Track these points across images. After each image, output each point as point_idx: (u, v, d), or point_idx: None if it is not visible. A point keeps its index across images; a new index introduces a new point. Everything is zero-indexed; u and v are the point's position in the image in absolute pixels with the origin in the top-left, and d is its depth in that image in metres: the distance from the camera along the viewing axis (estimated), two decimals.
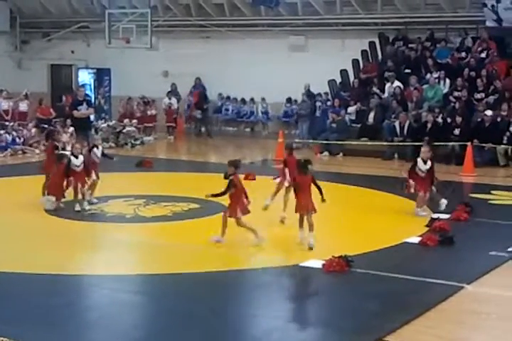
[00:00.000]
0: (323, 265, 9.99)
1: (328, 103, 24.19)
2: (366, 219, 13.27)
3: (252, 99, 27.34)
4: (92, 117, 21.38)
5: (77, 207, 13.33)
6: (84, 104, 19.35)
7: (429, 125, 20.64)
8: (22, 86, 26.70)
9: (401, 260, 10.76)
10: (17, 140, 21.91)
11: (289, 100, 26.39)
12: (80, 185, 13.28)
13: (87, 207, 13.41)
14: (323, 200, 11.38)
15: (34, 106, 25.72)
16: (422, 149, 13.74)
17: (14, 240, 11.82)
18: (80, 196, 13.41)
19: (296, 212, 11.37)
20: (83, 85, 28.26)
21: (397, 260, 10.72)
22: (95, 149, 14.14)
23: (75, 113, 19.23)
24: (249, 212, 11.12)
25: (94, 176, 13.77)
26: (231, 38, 27.29)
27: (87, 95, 23.16)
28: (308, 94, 24.79)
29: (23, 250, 11.08)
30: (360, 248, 10.96)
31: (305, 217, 11.27)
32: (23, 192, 12.61)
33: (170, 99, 26.74)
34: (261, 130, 27.32)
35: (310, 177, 11.40)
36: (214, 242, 11.16)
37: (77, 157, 13.30)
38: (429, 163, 13.60)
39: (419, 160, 13.59)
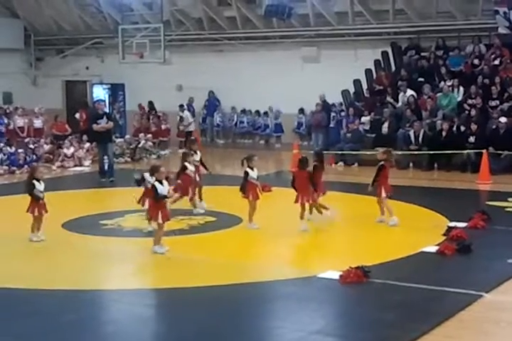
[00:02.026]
0: (341, 276, 9.97)
1: (343, 113, 24.19)
2: (382, 229, 13.23)
3: (265, 112, 27.40)
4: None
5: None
6: (104, 118, 19.47)
7: (444, 133, 20.61)
8: (37, 103, 26.89)
9: (419, 269, 10.73)
10: (33, 157, 21.97)
11: (301, 111, 26.43)
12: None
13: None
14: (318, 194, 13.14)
15: (50, 122, 25.86)
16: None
17: (31, 256, 11.89)
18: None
19: (295, 202, 12.84)
20: (100, 100, 28.36)
21: (415, 269, 10.69)
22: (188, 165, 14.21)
23: (95, 126, 19.34)
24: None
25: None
26: (244, 51, 27.39)
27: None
28: (324, 104, 24.78)
29: (39, 266, 11.14)
30: (377, 258, 10.94)
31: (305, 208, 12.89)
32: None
33: (182, 112, 26.80)
34: (274, 142, 27.37)
35: (307, 173, 12.97)
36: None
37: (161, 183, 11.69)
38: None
39: None
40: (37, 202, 12.40)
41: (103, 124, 19.32)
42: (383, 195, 13.54)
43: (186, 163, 14.17)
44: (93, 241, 12.65)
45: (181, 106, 27.10)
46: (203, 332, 8.23)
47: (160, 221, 11.44)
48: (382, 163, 13.81)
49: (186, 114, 26.87)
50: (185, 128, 26.53)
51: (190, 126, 26.80)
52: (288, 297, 9.58)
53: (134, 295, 9.84)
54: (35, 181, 12.47)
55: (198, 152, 15.14)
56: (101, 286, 10.23)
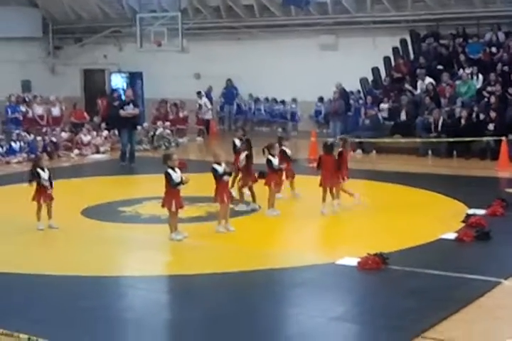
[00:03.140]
0: (359, 262, 9.97)
1: (361, 101, 24.13)
2: (401, 216, 13.21)
3: (282, 101, 27.35)
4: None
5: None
6: (131, 104, 20.04)
7: (463, 121, 20.50)
8: (55, 91, 26.98)
9: (437, 256, 10.70)
10: (52, 145, 22.05)
11: (320, 99, 26.36)
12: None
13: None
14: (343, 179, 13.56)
15: (68, 110, 25.93)
16: None
17: (50, 242, 11.98)
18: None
19: (320, 185, 13.19)
20: (116, 89, 28.50)
21: (434, 256, 10.67)
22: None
23: (122, 112, 19.85)
24: None
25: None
26: (261, 39, 27.31)
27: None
28: (342, 92, 24.70)
29: (58, 252, 11.25)
30: (395, 245, 10.92)
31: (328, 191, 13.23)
32: (58, 196, 12.69)
33: (200, 98, 26.87)
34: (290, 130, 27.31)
35: (332, 157, 13.44)
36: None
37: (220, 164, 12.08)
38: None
39: None
40: (42, 191, 12.45)
41: (130, 110, 19.81)
42: (341, 180, 13.70)
43: (270, 156, 13.52)
44: (111, 228, 12.70)
45: (199, 93, 27.16)
46: (221, 319, 8.23)
47: (173, 209, 11.47)
48: (340, 149, 13.97)
49: (204, 100, 26.94)
50: (203, 115, 26.62)
51: (207, 113, 26.89)
52: (306, 283, 9.58)
53: (151, 282, 9.89)
54: (39, 170, 12.54)
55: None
56: (118, 273, 10.30)
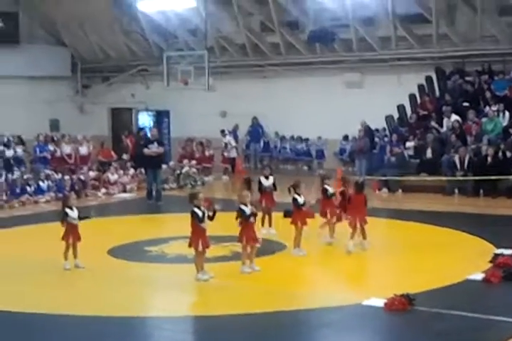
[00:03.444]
0: (385, 303, 9.89)
1: (386, 139, 24.14)
2: (427, 256, 13.11)
3: (306, 139, 27.43)
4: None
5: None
6: (155, 143, 20.25)
7: (489, 158, 20.42)
8: (83, 130, 27.28)
9: (464, 297, 10.60)
10: (80, 184, 22.21)
11: (345, 138, 26.41)
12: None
13: None
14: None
15: (96, 149, 26.16)
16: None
17: (76, 282, 12.02)
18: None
19: (350, 225, 13.36)
20: (143, 128, 28.76)
21: (461, 297, 10.57)
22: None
23: (146, 151, 20.10)
24: None
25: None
26: (287, 77, 27.51)
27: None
28: (367, 130, 24.72)
29: (84, 292, 11.26)
30: (422, 285, 10.83)
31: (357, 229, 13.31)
32: (84, 235, 12.77)
33: (224, 137, 27.12)
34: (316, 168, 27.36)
35: (363, 196, 13.58)
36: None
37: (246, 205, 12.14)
38: None
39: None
40: (71, 230, 12.53)
41: (154, 149, 20.00)
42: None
43: (296, 195, 13.53)
44: (137, 268, 12.72)
45: (223, 131, 27.36)
46: None
47: (200, 248, 11.49)
48: (342, 189, 14.17)
49: (228, 139, 27.13)
50: (228, 153, 26.77)
51: (232, 151, 27.02)
52: (332, 324, 9.53)
53: (177, 322, 9.87)
54: (67, 209, 12.64)
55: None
56: (144, 313, 10.28)
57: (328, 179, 14.71)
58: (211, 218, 11.57)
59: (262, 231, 14.43)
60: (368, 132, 24.71)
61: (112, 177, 22.83)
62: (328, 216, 14.13)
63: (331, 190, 14.28)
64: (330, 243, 14.05)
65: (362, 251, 13.42)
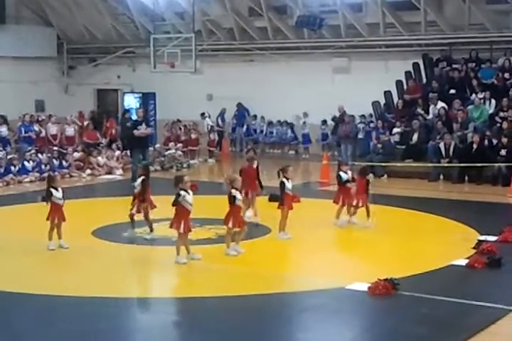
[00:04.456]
0: (369, 288, 9.95)
1: (371, 125, 24.19)
2: (412, 242, 13.17)
3: (291, 123, 27.45)
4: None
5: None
6: (143, 124, 20.41)
7: (475, 146, 20.49)
8: (69, 111, 27.16)
9: (448, 283, 10.68)
10: (64, 163, 22.16)
11: (324, 122, 26.37)
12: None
13: None
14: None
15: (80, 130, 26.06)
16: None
17: (60, 263, 12.00)
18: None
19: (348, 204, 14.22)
20: (129, 110, 28.59)
21: (444, 283, 10.64)
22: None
23: (135, 132, 20.14)
24: None
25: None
26: (274, 61, 27.46)
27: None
28: (343, 116, 24.78)
29: (68, 273, 11.28)
30: (406, 270, 10.89)
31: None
32: (69, 216, 12.73)
33: (204, 119, 27.36)
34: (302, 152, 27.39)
35: (366, 180, 14.42)
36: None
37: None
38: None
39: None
40: (56, 210, 12.52)
41: (143, 130, 20.17)
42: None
43: (284, 179, 13.37)
44: (122, 249, 12.73)
45: (203, 114, 27.32)
46: None
47: (181, 230, 11.50)
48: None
49: (207, 121, 27.12)
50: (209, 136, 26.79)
51: (211, 134, 26.98)
52: (315, 308, 9.56)
53: (162, 304, 9.91)
54: (52, 189, 12.61)
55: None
56: (128, 294, 10.28)
57: (346, 165, 14.81)
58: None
59: (248, 214, 14.44)
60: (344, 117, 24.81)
61: (98, 159, 22.73)
62: (341, 202, 14.31)
63: (345, 176, 14.43)
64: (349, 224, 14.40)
65: (364, 228, 14.05)
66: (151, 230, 13.52)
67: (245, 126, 28.48)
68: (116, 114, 30.75)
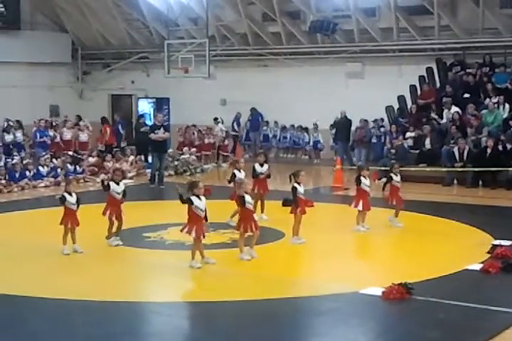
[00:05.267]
0: (383, 292, 9.94)
1: (382, 129, 24.26)
2: (426, 246, 13.15)
3: (306, 128, 27.46)
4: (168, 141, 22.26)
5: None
6: (162, 129, 20.75)
7: (489, 150, 20.43)
8: (83, 116, 27.29)
9: (462, 287, 10.64)
10: (78, 169, 22.25)
11: (332, 126, 26.25)
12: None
13: None
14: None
15: (95, 135, 26.13)
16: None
17: (75, 267, 12.04)
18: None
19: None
20: (143, 115, 28.67)
21: (458, 287, 10.61)
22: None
23: (152, 136, 20.58)
24: None
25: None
26: (288, 66, 27.48)
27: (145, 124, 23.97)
28: (345, 119, 24.91)
29: (82, 277, 11.28)
30: (420, 275, 10.87)
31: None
32: (84, 220, 12.79)
33: (216, 124, 27.36)
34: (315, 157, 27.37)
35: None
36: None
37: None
38: None
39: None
40: (69, 215, 12.59)
41: (161, 134, 20.50)
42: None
43: (296, 184, 13.39)
44: (136, 254, 12.77)
45: (216, 119, 27.33)
46: None
47: (193, 235, 11.52)
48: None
49: (220, 126, 27.16)
50: (216, 140, 26.80)
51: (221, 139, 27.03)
52: (330, 312, 9.56)
53: (175, 308, 9.94)
54: (66, 194, 12.69)
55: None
56: (142, 298, 10.32)
57: (367, 170, 14.83)
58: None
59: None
60: (346, 121, 25.01)
61: (112, 164, 22.81)
62: (361, 207, 14.31)
63: (365, 181, 14.50)
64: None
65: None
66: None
67: (261, 134, 28.47)
68: (130, 119, 30.87)
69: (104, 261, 12.25)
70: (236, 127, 28.52)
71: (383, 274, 11.16)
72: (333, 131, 25.98)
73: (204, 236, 11.70)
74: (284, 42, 27.57)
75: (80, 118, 26.88)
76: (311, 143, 27.40)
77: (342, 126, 25.10)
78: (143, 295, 10.55)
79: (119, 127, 27.57)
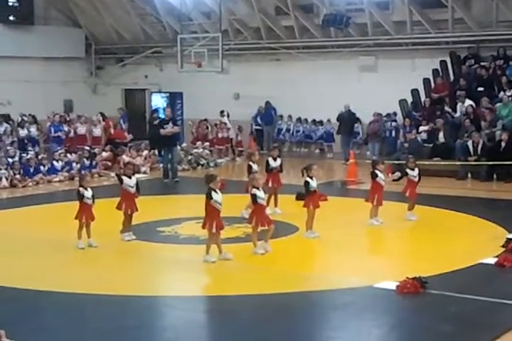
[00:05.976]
0: (398, 286, 9.94)
1: (393, 124, 24.22)
2: (440, 240, 13.12)
3: (320, 121, 27.46)
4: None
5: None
6: (170, 123, 20.73)
7: (503, 144, 20.35)
8: (97, 111, 27.35)
9: (476, 281, 10.63)
10: (92, 163, 22.33)
11: (357, 120, 26.28)
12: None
13: None
14: None
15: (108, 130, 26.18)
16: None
17: (90, 261, 12.11)
18: None
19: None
20: (157, 109, 28.72)
21: (473, 281, 10.60)
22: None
23: (162, 131, 20.56)
24: None
25: None
26: (301, 60, 27.44)
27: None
28: (348, 112, 24.91)
29: (97, 271, 11.35)
30: (434, 269, 10.87)
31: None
32: (98, 215, 12.85)
33: (222, 117, 27.33)
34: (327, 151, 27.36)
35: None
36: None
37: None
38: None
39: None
40: (84, 209, 12.67)
41: (170, 129, 20.50)
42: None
43: (308, 178, 13.43)
44: (150, 248, 12.81)
45: (222, 111, 27.31)
46: (258, 340, 8.26)
47: (214, 230, 11.55)
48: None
49: (225, 119, 27.15)
50: (225, 134, 26.78)
51: (229, 131, 26.96)
52: (344, 306, 9.58)
53: (190, 302, 9.97)
54: (81, 189, 12.76)
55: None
56: (157, 292, 10.37)
57: (382, 164, 14.80)
58: None
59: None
60: (350, 115, 24.98)
61: (126, 158, 22.84)
62: (375, 202, 14.27)
63: (380, 175, 14.47)
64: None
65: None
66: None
67: (276, 127, 28.48)
68: (144, 113, 30.93)
69: (118, 256, 12.32)
70: (259, 121, 28.46)
71: (397, 268, 11.16)
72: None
73: (223, 228, 11.71)
74: (297, 36, 27.52)
75: (103, 115, 26.78)
76: (324, 136, 27.37)
77: (346, 119, 25.05)
78: (157, 290, 10.59)
79: (121, 121, 27.50)
